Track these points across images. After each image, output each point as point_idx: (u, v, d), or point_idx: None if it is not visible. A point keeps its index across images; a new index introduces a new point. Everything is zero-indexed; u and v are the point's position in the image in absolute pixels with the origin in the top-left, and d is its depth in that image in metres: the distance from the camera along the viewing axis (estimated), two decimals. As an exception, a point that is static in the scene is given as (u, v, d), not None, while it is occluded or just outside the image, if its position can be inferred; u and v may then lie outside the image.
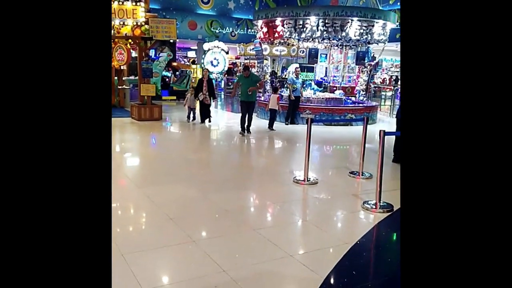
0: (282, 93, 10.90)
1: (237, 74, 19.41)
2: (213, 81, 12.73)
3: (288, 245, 3.30)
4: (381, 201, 4.24)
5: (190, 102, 10.25)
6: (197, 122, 10.13)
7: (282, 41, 11.88)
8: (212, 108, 10.84)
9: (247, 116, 8.51)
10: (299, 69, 10.81)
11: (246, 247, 3.25)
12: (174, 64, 16.97)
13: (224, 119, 11.80)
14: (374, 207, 4.20)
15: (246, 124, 8.55)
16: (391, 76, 21.20)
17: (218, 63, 19.16)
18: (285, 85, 11.42)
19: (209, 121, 10.06)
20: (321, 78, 14.87)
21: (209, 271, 2.80)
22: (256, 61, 13.97)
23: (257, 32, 11.90)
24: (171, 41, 15.57)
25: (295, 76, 10.29)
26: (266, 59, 15.47)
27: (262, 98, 11.18)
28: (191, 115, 10.28)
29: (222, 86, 19.67)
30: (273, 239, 3.40)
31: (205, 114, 10.03)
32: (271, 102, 9.82)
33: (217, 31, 21.27)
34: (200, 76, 13.94)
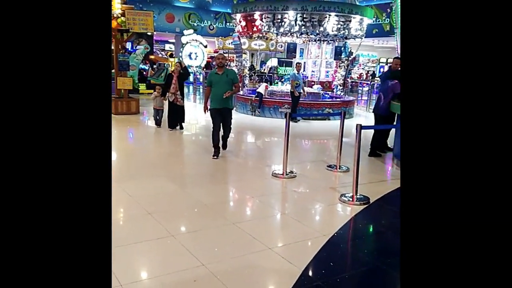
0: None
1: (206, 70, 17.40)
2: (191, 75, 12.45)
3: (267, 238, 3.33)
4: (358, 194, 4.33)
5: (157, 103, 8.38)
6: (165, 128, 8.26)
7: (260, 35, 11.88)
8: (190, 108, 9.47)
9: (222, 129, 6.03)
10: (300, 64, 10.74)
11: (225, 240, 3.26)
12: (152, 57, 16.71)
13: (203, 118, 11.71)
14: (351, 199, 4.28)
15: (221, 142, 6.13)
16: (368, 71, 21.55)
17: (197, 56, 18.99)
18: (285, 81, 11.25)
19: (181, 128, 8.25)
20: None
21: (188, 265, 2.80)
22: (235, 55, 13.92)
23: (235, 26, 11.84)
24: (148, 33, 15.32)
25: (296, 71, 10.14)
26: (245, 53, 15.44)
27: (241, 93, 11.14)
28: (158, 118, 8.39)
29: (201, 80, 19.54)
30: (252, 232, 3.43)
31: (176, 118, 8.14)
32: (261, 87, 9.97)
33: (195, 24, 21.04)
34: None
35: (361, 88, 15.91)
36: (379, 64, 22.34)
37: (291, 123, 5.36)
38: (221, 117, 5.91)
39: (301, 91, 10.13)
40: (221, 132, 6.05)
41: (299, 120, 10.08)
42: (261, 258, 2.99)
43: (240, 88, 9.80)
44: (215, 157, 5.89)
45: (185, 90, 10.56)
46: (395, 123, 6.71)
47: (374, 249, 3.41)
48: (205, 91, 6.00)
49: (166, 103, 8.21)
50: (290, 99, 10.12)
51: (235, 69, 11.52)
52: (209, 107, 5.92)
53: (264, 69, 17.32)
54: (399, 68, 6.79)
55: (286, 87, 11.51)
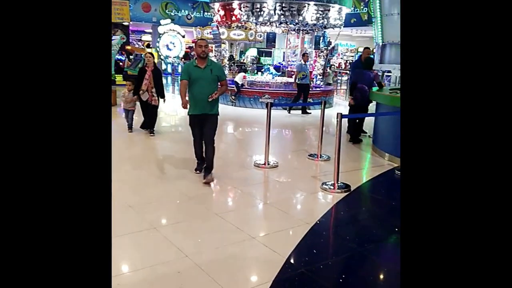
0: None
1: (184, 62, 16.08)
2: (169, 66, 12.15)
3: (250, 228, 3.34)
4: (339, 182, 4.39)
5: (126, 102, 6.79)
6: (136, 131, 6.97)
7: (239, 25, 11.77)
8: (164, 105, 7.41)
9: (204, 140, 4.52)
10: (308, 53, 10.53)
11: (208, 231, 3.25)
12: (128, 47, 16.33)
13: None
14: (332, 187, 4.33)
15: (205, 155, 4.57)
16: (347, 61, 21.73)
17: (174, 46, 18.68)
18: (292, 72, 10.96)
19: (151, 132, 6.80)
20: (279, 63, 14.96)
21: (172, 257, 2.78)
22: (213, 45, 13.76)
23: (214, 16, 11.68)
24: (124, 23, 14.95)
25: (303, 62, 9.90)
26: (223, 43, 15.28)
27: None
28: (129, 122, 6.93)
29: (180, 71, 19.27)
30: (235, 222, 3.43)
31: (149, 119, 6.82)
32: (238, 77, 9.87)
33: (172, 13, 20.64)
34: (156, 60, 9.56)
35: (340, 78, 16.04)
36: (357, 53, 22.56)
37: (304, 114, 5.21)
38: (200, 125, 4.44)
39: (308, 82, 9.94)
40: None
41: (309, 113, 9.87)
42: (244, 247, 2.99)
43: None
44: (197, 171, 4.69)
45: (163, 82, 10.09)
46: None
47: (356, 235, 3.47)
48: (180, 85, 4.44)
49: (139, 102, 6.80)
50: (296, 90, 9.86)
51: (214, 59, 11.37)
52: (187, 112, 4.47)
53: (244, 59, 17.22)
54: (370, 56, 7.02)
55: (266, 77, 11.48)
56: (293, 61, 14.39)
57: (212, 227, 3.34)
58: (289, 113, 9.88)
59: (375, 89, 6.45)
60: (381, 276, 2.79)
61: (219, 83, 4.45)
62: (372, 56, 7.82)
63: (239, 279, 2.59)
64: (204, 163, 4.55)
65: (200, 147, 4.62)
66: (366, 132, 7.29)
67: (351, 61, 21.27)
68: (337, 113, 4.45)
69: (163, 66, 18.70)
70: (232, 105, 10.66)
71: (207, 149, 4.49)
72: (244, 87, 10.63)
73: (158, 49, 18.36)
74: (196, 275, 2.59)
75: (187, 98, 4.35)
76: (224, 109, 10.11)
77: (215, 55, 13.38)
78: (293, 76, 10.04)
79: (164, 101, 6.90)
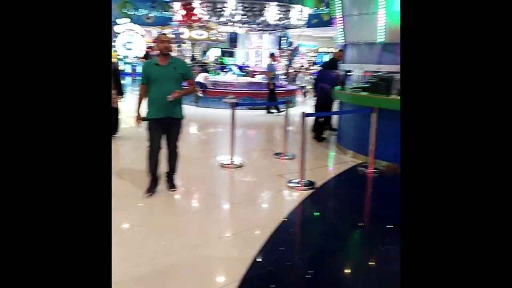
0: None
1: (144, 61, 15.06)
2: (128, 66, 11.86)
3: (217, 228, 3.27)
4: (305, 180, 4.41)
5: None
6: None
7: (201, 24, 11.64)
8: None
9: (168, 148, 4.02)
10: (276, 53, 10.56)
11: (174, 234, 3.15)
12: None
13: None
14: (298, 185, 4.35)
15: (166, 169, 4.13)
16: (309, 61, 22.08)
17: (134, 46, 18.20)
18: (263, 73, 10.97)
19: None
20: (242, 63, 14.94)
21: (137, 262, 2.66)
22: (175, 45, 13.52)
23: (174, 15, 11.48)
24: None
25: (272, 62, 9.93)
26: (184, 43, 15.06)
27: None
28: None
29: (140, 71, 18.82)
30: (201, 223, 3.35)
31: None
32: (199, 77, 9.75)
33: (130, 13, 20.08)
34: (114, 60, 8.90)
35: (303, 78, 16.25)
36: (319, 54, 22.99)
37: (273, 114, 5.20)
38: (163, 132, 3.91)
39: (275, 82, 10.04)
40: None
41: (281, 110, 9.81)
42: (211, 248, 2.93)
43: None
44: (150, 193, 3.90)
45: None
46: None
47: (322, 231, 3.50)
48: (139, 90, 3.97)
49: None
50: (267, 90, 9.89)
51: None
52: (144, 116, 3.88)
53: (205, 59, 17.06)
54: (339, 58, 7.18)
55: (229, 77, 11.42)
56: (257, 62, 14.42)
57: (178, 230, 3.24)
58: (279, 112, 9.86)
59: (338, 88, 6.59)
60: (348, 271, 2.82)
61: (185, 83, 3.99)
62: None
63: (207, 280, 2.52)
64: (158, 182, 4.03)
65: (156, 159, 3.91)
66: (336, 130, 7.37)
67: (313, 62, 21.66)
68: (301, 112, 4.48)
69: (121, 67, 18.16)
70: (196, 105, 10.52)
71: (170, 156, 4.04)
72: (207, 87, 10.52)
73: (115, 49, 17.79)
74: (163, 278, 2.50)
75: (143, 108, 3.88)
76: (187, 110, 9.95)
77: (176, 55, 13.17)
78: (265, 76, 10.09)
79: (122, 98, 6.71)
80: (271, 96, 9.86)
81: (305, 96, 11.96)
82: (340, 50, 7.61)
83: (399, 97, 5.17)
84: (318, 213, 3.95)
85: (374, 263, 2.86)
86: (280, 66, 13.10)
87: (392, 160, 5.10)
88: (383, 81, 5.50)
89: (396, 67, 7.84)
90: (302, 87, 12.82)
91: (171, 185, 4.13)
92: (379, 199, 4.31)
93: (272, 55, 10.26)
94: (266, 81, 9.87)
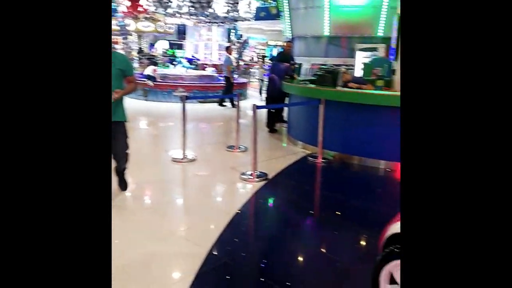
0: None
1: None
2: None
3: (170, 224, 3.26)
4: (257, 171, 4.49)
5: None
6: None
7: (147, 16, 11.29)
8: None
9: (115, 157, 3.69)
10: (233, 47, 10.45)
11: (126, 231, 3.09)
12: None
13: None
14: (251, 177, 4.42)
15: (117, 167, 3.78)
16: (258, 54, 22.20)
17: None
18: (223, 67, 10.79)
19: None
20: (192, 56, 14.72)
21: (86, 263, 2.58)
22: (120, 38, 12.99)
23: (118, 6, 11.02)
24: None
25: (229, 55, 9.86)
26: (131, 35, 14.52)
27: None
28: None
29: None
30: (154, 220, 3.31)
31: None
32: (147, 70, 9.48)
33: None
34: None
35: (253, 71, 16.34)
36: (268, 46, 23.19)
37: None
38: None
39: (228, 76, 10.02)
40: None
41: (225, 105, 9.89)
42: (165, 244, 2.91)
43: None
44: None
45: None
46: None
47: (275, 221, 3.60)
48: None
49: None
50: (224, 84, 9.91)
51: (122, 52, 10.77)
52: None
53: (153, 52, 16.59)
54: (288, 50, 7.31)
55: (179, 70, 11.23)
56: (206, 54, 14.27)
57: (130, 227, 3.18)
58: (234, 106, 9.80)
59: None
60: (301, 258, 2.93)
61: (125, 80, 3.51)
62: (282, 50, 8.15)
63: (162, 276, 2.51)
64: None
65: None
66: (286, 122, 7.50)
67: (262, 55, 21.80)
68: (253, 105, 4.54)
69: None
70: (145, 99, 10.24)
71: (117, 158, 3.69)
72: (156, 80, 10.27)
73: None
74: (116, 276, 2.44)
75: None
76: (137, 103, 9.68)
77: (122, 48, 12.68)
78: (225, 70, 10.08)
79: None
80: (228, 89, 9.86)
81: (260, 94, 12.00)
82: (288, 41, 7.74)
83: (344, 89, 5.40)
84: (271, 204, 4.05)
85: (325, 249, 3.01)
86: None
87: (339, 150, 5.33)
88: (329, 73, 5.70)
89: (341, 60, 8.17)
90: (260, 84, 12.73)
91: (123, 184, 3.91)
92: (328, 188, 4.50)
93: (228, 48, 10.24)
94: (225, 75, 9.88)
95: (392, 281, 1.95)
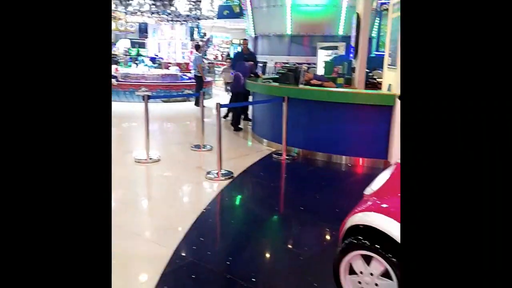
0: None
1: None
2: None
3: (134, 225, 3.21)
4: (223, 170, 4.50)
5: None
6: None
7: (107, 13, 10.98)
8: None
9: None
10: (203, 44, 10.29)
11: (88, 236, 3.02)
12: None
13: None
14: (216, 176, 4.43)
15: None
16: (223, 53, 22.13)
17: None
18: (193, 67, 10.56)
19: None
20: (155, 54, 14.45)
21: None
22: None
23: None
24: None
25: (198, 54, 9.70)
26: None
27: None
28: None
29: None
30: (117, 221, 3.25)
31: None
32: None
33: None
34: None
35: (218, 69, 16.27)
36: (232, 45, 23.17)
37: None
38: None
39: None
40: None
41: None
42: (130, 246, 2.87)
43: None
44: None
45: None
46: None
47: (241, 219, 3.63)
48: None
49: None
50: (195, 82, 9.86)
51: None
52: None
53: (114, 51, 16.13)
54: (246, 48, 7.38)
55: (141, 70, 11.01)
56: (169, 53, 14.05)
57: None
58: (197, 105, 9.71)
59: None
60: (266, 254, 2.98)
61: None
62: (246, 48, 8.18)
63: (127, 278, 2.48)
64: None
65: None
66: (251, 120, 7.54)
67: (227, 54, 21.76)
68: (216, 103, 4.55)
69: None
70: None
71: None
72: (118, 80, 10.01)
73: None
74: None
75: None
76: (97, 104, 9.39)
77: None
78: (195, 68, 9.99)
79: None
80: (199, 88, 9.81)
81: (227, 92, 11.93)
82: (244, 39, 7.82)
83: (306, 87, 5.51)
84: (236, 201, 4.08)
85: (289, 244, 3.07)
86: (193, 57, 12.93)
87: (302, 147, 5.44)
88: (291, 71, 5.79)
89: (303, 58, 8.32)
90: (226, 84, 12.52)
91: None
92: (292, 184, 4.59)
93: (197, 47, 10.18)
94: (196, 73, 9.86)
95: (352, 271, 2.03)
